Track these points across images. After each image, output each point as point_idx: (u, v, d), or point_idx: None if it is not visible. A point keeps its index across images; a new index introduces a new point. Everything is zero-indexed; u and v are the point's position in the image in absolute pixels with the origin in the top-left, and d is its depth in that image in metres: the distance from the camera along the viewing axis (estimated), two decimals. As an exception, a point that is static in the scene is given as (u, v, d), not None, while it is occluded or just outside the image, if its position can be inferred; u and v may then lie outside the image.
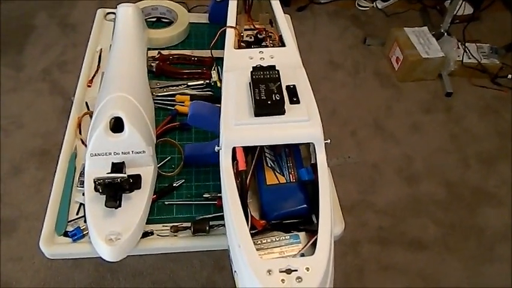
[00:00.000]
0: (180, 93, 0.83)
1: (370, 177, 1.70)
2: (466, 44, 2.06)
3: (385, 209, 1.60)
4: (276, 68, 0.55)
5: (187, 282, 1.36)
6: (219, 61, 0.66)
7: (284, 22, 0.66)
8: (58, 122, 1.73)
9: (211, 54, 0.76)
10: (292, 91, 0.54)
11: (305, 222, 0.53)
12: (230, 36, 0.64)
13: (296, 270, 0.42)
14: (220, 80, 0.65)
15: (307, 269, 0.42)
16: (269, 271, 0.42)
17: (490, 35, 2.25)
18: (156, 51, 0.90)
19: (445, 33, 2.08)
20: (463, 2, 2.13)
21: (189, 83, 0.85)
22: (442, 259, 1.49)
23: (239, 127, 0.51)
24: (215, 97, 0.68)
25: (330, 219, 0.47)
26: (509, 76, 2.06)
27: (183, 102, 0.81)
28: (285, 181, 0.56)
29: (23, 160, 1.61)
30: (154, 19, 1.00)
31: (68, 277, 1.35)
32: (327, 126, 1.83)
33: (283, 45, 0.64)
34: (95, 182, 0.62)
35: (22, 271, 1.34)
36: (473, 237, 1.55)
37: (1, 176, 1.56)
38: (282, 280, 0.42)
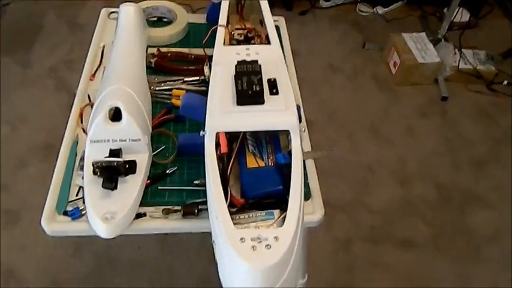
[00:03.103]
0: (176, 88, 0.89)
1: (365, 178, 1.75)
2: (463, 50, 2.10)
3: (377, 209, 1.64)
4: (258, 63, 0.60)
5: (184, 273, 1.41)
6: (212, 58, 0.71)
7: (271, 22, 0.71)
8: (63, 117, 1.75)
9: (204, 51, 0.81)
10: (273, 84, 0.59)
11: (281, 202, 0.58)
12: (220, 34, 0.69)
13: (266, 239, 0.47)
14: (211, 74, 0.70)
15: (276, 238, 0.47)
16: (242, 239, 0.47)
17: (488, 42, 2.29)
18: (156, 49, 0.96)
19: (443, 39, 2.13)
20: (461, 9, 2.18)
21: (185, 79, 0.90)
22: (431, 259, 1.52)
23: (222, 114, 0.57)
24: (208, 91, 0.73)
25: (299, 196, 0.52)
26: (505, 82, 2.10)
27: (178, 96, 0.86)
28: (264, 165, 0.61)
29: (28, 154, 1.68)
30: (155, 18, 1.06)
31: (68, 266, 1.40)
32: (324, 129, 1.88)
33: (269, 43, 0.70)
34: (93, 165, 0.67)
35: (24, 259, 1.39)
36: (462, 238, 1.58)
37: (8, 169, 1.62)
38: (253, 247, 0.47)
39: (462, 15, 2.22)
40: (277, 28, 1.07)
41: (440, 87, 2.06)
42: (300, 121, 0.77)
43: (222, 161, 0.57)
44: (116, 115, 0.73)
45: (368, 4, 2.51)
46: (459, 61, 2.06)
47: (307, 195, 0.73)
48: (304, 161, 0.79)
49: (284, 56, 0.99)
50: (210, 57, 0.75)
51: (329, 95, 2.05)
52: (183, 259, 1.44)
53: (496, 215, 1.65)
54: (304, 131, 0.59)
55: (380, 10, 2.49)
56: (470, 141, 1.91)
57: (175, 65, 0.93)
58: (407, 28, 2.29)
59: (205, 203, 0.71)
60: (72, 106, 0.87)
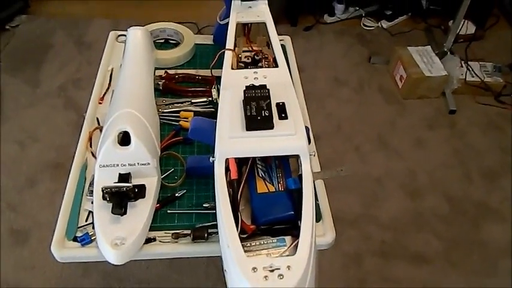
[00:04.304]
0: (184, 110, 0.89)
1: (374, 191, 1.73)
2: (470, 63, 2.10)
3: (388, 223, 1.63)
4: (267, 87, 0.61)
5: (193, 292, 1.40)
6: (219, 79, 0.72)
7: (278, 45, 0.71)
8: (71, 136, 1.80)
9: (211, 73, 0.82)
10: (281, 108, 0.59)
11: (292, 227, 0.57)
12: (228, 57, 0.70)
13: (278, 269, 0.47)
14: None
15: (288, 267, 0.47)
16: (254, 268, 0.47)
17: (494, 54, 2.28)
18: (163, 71, 0.96)
19: (448, 52, 2.12)
20: (466, 22, 2.18)
21: (192, 100, 0.90)
22: (444, 274, 1.50)
23: (232, 140, 0.57)
24: (216, 113, 0.73)
25: (311, 223, 0.51)
26: (513, 94, 2.08)
27: (186, 118, 0.87)
28: (274, 190, 0.61)
29: (37, 173, 1.69)
30: (162, 40, 1.07)
31: (77, 286, 1.40)
32: (331, 141, 1.87)
33: (276, 66, 0.70)
34: (102, 190, 0.67)
35: (33, 279, 1.40)
36: (475, 252, 1.56)
37: (17, 188, 1.63)
38: (265, 277, 0.46)
39: (468, 28, 2.22)
40: (283, 47, 1.08)
41: (448, 100, 2.05)
42: (309, 142, 0.77)
43: (232, 186, 0.56)
44: (124, 139, 0.73)
45: (372, 18, 2.52)
46: (466, 74, 2.05)
47: (318, 216, 0.73)
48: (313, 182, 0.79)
49: (290, 73, 1.00)
50: (218, 79, 0.76)
51: (336, 108, 2.05)
52: (191, 278, 1.43)
53: (510, 228, 1.63)
54: (314, 155, 0.58)
55: (385, 24, 2.50)
56: (481, 152, 1.89)
57: (182, 87, 0.93)
58: (412, 41, 2.30)
59: (215, 226, 0.71)
60: (81, 128, 0.87)
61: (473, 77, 2.07)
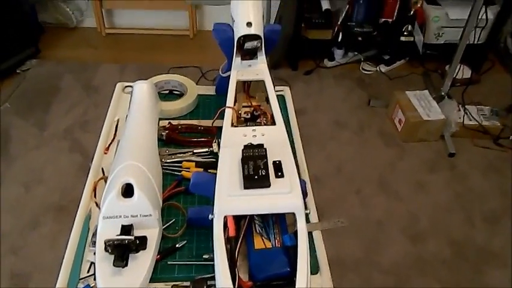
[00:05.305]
0: (186, 160, 0.92)
1: (375, 235, 1.73)
2: (467, 106, 2.14)
3: (389, 268, 1.62)
4: (264, 147, 0.64)
5: None
6: (221, 129, 0.74)
7: (275, 103, 0.75)
8: (76, 178, 1.84)
9: (212, 126, 0.86)
10: (278, 166, 0.62)
11: (288, 284, 0.59)
12: (228, 115, 0.74)
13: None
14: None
15: (285, 323, 0.48)
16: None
17: (491, 97, 2.34)
18: (167, 122, 1.00)
19: (446, 96, 2.17)
20: (462, 66, 2.24)
21: (194, 151, 0.94)
22: (447, 321, 1.48)
23: (230, 198, 0.59)
24: (216, 163, 0.76)
25: (306, 280, 0.53)
26: (511, 137, 2.11)
27: (188, 168, 0.90)
28: (271, 246, 0.63)
29: (41, 215, 1.71)
30: (166, 91, 1.12)
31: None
32: (332, 184, 1.89)
33: (274, 122, 0.73)
34: (105, 243, 0.69)
35: (33, 325, 1.39)
36: (478, 299, 1.54)
37: (19, 230, 1.64)
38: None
39: (464, 72, 2.28)
40: (282, 97, 1.12)
41: (447, 143, 2.09)
42: (306, 196, 0.79)
43: (230, 243, 0.58)
44: (128, 189, 0.76)
45: (371, 63, 2.61)
46: (464, 117, 2.09)
47: (315, 268, 0.74)
48: (311, 232, 0.80)
49: (289, 121, 1.04)
50: (219, 129, 0.79)
51: (336, 150, 2.08)
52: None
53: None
54: (310, 212, 0.61)
55: (383, 68, 2.57)
56: (481, 195, 1.90)
57: (185, 137, 0.97)
58: (410, 85, 2.36)
59: (214, 278, 0.72)
60: (87, 175, 0.90)
61: (471, 120, 2.11)
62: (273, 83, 0.79)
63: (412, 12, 2.43)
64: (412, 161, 2.04)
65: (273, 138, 0.68)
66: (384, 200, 1.87)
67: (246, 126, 0.75)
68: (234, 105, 0.79)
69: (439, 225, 1.77)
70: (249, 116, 0.79)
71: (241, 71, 0.84)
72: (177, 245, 0.78)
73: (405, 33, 2.45)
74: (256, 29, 0.82)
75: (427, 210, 1.83)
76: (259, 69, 0.84)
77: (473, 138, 2.12)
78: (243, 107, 0.82)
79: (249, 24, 0.81)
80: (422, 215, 1.81)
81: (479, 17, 1.94)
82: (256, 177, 0.59)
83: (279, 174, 0.61)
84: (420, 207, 1.84)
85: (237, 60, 0.86)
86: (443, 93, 2.17)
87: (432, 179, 1.97)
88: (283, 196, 0.59)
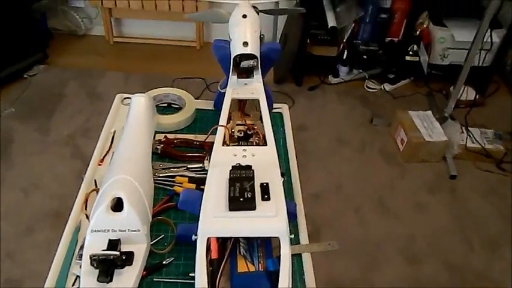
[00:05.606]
0: (179, 175, 0.92)
1: (372, 255, 1.71)
2: (470, 129, 2.13)
3: (385, 290, 1.59)
4: (252, 168, 0.64)
5: None
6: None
7: (268, 123, 0.75)
8: (75, 185, 1.82)
9: (205, 143, 0.85)
10: (265, 189, 0.62)
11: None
12: (220, 134, 0.74)
13: None
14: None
15: None
16: None
17: (495, 121, 2.32)
18: (163, 135, 1.00)
19: (449, 118, 2.16)
20: (467, 88, 2.23)
21: (188, 166, 0.93)
22: None
23: (215, 219, 0.59)
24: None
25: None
26: (514, 161, 2.09)
27: (181, 184, 0.89)
28: (254, 269, 0.62)
29: (37, 221, 1.71)
30: (165, 104, 1.12)
31: None
32: (330, 202, 1.88)
33: (265, 143, 0.73)
34: (90, 257, 0.69)
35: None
36: (475, 326, 1.51)
37: (15, 235, 1.65)
38: None
39: (468, 94, 2.27)
40: (280, 114, 1.12)
41: (448, 165, 2.07)
42: (295, 218, 0.78)
43: (212, 265, 0.58)
44: (118, 203, 0.76)
45: (376, 81, 2.61)
46: (467, 139, 2.08)
47: (303, 292, 0.73)
48: (300, 255, 0.79)
49: (286, 142, 1.04)
50: (213, 144, 0.79)
51: (337, 167, 2.07)
52: None
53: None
54: (294, 236, 0.60)
55: (387, 87, 2.57)
56: (481, 219, 1.88)
57: (180, 152, 0.97)
58: (414, 105, 2.35)
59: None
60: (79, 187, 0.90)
61: (473, 143, 2.10)
62: (271, 101, 0.79)
63: (418, 32, 2.44)
64: (412, 182, 2.03)
65: (263, 160, 0.67)
66: (383, 220, 1.85)
67: (238, 145, 0.75)
68: (229, 122, 0.79)
69: (437, 248, 1.75)
70: (242, 134, 0.79)
71: (236, 89, 0.85)
72: (164, 262, 0.78)
73: (410, 52, 2.45)
74: (253, 49, 0.82)
75: (425, 232, 1.81)
76: (254, 88, 0.84)
77: (476, 161, 2.10)
78: (237, 124, 0.82)
79: (245, 43, 0.81)
80: (421, 237, 1.79)
81: (485, 40, 1.94)
82: (241, 199, 0.59)
83: (265, 197, 0.60)
84: (419, 228, 1.82)
85: (233, 78, 0.86)
86: (446, 115, 2.16)
87: (432, 200, 1.95)
88: (268, 219, 0.59)
